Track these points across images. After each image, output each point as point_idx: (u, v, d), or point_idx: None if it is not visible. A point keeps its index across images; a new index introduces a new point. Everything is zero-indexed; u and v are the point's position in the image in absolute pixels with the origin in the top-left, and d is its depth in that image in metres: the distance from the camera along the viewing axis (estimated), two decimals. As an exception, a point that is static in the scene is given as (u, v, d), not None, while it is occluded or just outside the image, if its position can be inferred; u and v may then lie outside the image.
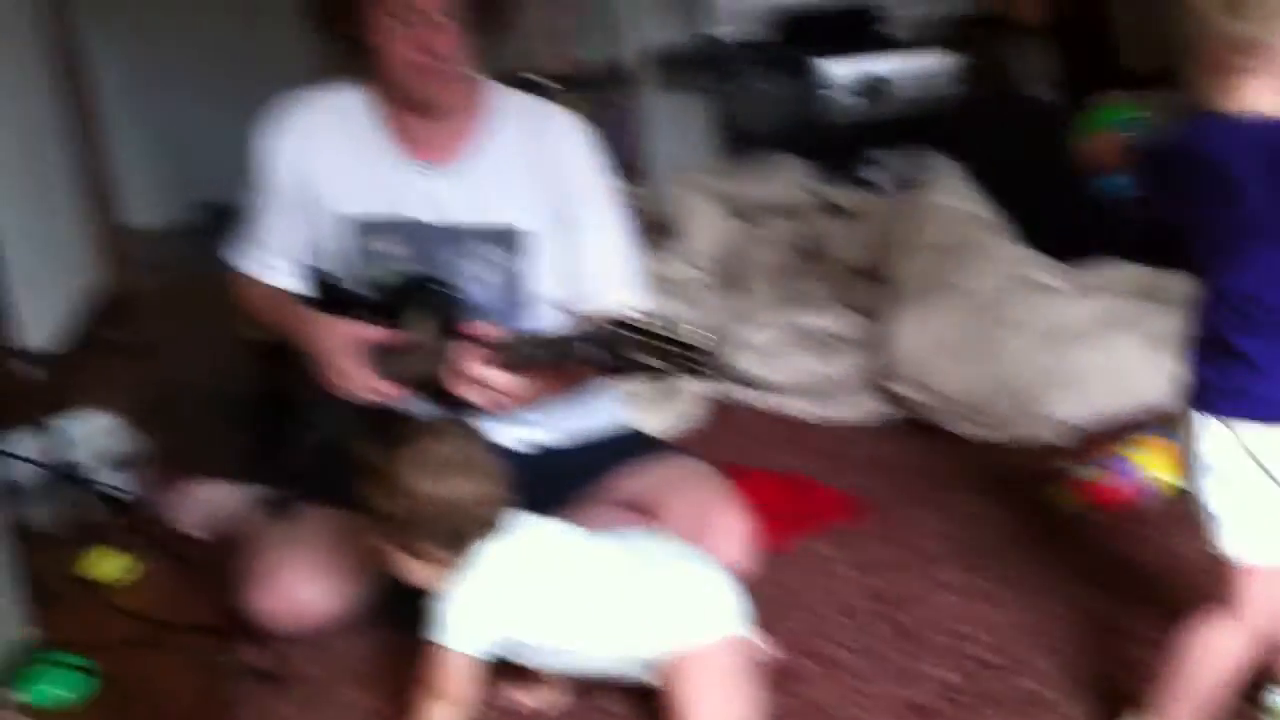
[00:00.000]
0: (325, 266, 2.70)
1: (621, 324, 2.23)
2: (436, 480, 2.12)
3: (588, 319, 2.38)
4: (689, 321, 2.24)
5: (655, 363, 2.21)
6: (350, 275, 2.66)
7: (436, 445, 2.16)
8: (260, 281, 2.77)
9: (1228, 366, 1.87)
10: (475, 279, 2.60)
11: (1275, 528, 1.89)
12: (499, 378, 2.36)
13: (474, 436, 2.23)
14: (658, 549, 2.31)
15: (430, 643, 2.13)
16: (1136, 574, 2.60)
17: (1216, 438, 1.89)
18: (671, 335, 2.19)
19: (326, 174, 2.63)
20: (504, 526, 2.18)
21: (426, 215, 2.60)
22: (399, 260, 2.62)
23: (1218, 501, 1.91)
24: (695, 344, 2.18)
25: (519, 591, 2.17)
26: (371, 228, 2.62)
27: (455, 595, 2.14)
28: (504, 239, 2.60)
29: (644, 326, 2.20)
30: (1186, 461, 1.96)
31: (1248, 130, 1.75)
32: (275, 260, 2.74)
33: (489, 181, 2.59)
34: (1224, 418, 1.88)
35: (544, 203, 2.60)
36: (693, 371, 2.21)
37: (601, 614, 2.20)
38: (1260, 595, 1.91)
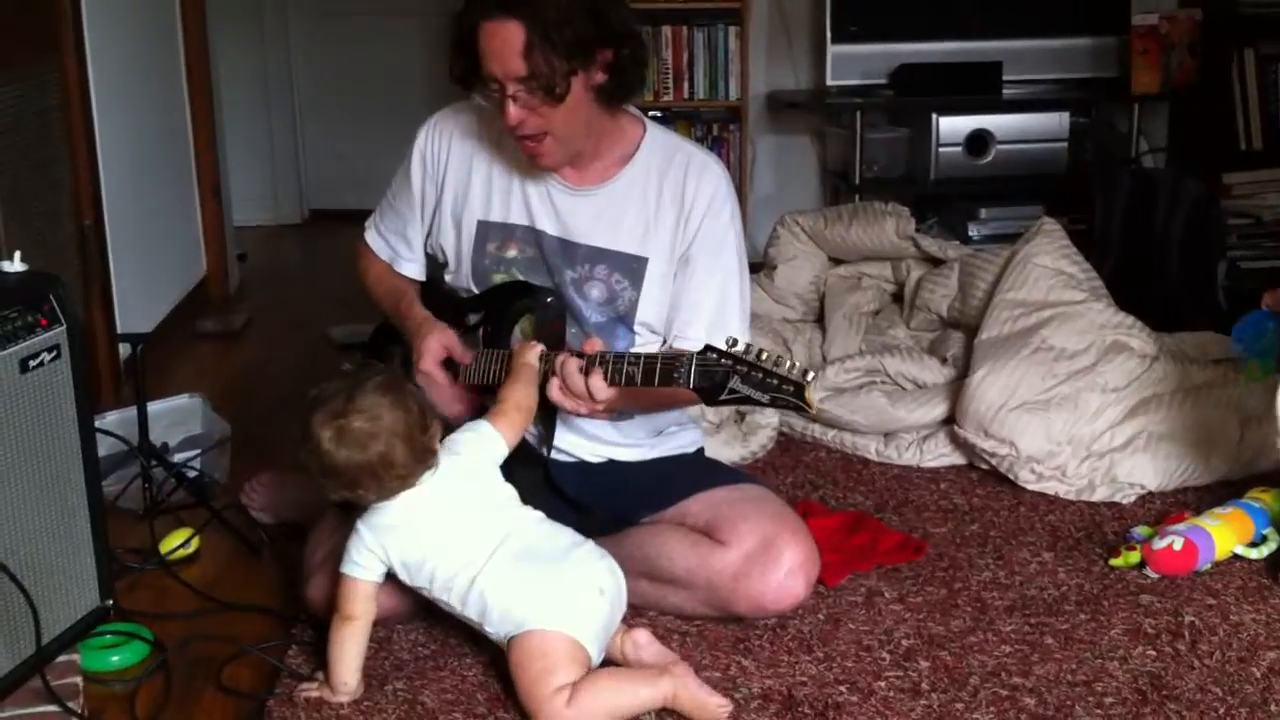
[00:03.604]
0: (447, 262, 2.78)
1: (725, 354, 2.26)
2: (352, 449, 2.29)
3: (689, 348, 2.42)
4: (789, 357, 2.27)
5: (755, 394, 2.24)
6: (470, 274, 2.73)
7: (355, 409, 2.30)
8: (383, 263, 2.86)
9: None
10: (585, 296, 2.66)
11: None
12: (598, 389, 2.38)
13: (397, 398, 2.34)
14: (556, 545, 2.42)
15: (341, 574, 2.38)
16: (1192, 638, 2.57)
17: None
18: (772, 369, 2.22)
19: (469, 179, 2.72)
20: (415, 480, 2.35)
21: (552, 229, 2.67)
22: (517, 266, 2.69)
23: None
24: (795, 380, 2.21)
25: (412, 537, 2.37)
26: (499, 232, 2.70)
27: (359, 534, 2.38)
28: (620, 263, 2.65)
29: (747, 358, 2.24)
30: None
31: None
32: (401, 249, 2.84)
33: (617, 208, 2.65)
34: None
35: (667, 236, 2.65)
36: (789, 406, 2.24)
37: (466, 578, 2.36)
38: None
